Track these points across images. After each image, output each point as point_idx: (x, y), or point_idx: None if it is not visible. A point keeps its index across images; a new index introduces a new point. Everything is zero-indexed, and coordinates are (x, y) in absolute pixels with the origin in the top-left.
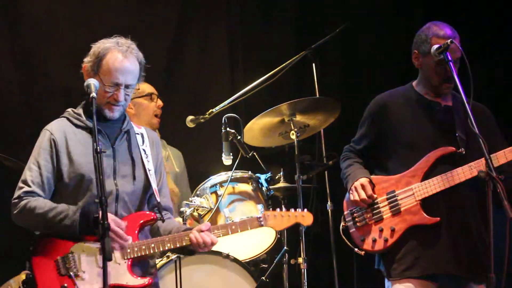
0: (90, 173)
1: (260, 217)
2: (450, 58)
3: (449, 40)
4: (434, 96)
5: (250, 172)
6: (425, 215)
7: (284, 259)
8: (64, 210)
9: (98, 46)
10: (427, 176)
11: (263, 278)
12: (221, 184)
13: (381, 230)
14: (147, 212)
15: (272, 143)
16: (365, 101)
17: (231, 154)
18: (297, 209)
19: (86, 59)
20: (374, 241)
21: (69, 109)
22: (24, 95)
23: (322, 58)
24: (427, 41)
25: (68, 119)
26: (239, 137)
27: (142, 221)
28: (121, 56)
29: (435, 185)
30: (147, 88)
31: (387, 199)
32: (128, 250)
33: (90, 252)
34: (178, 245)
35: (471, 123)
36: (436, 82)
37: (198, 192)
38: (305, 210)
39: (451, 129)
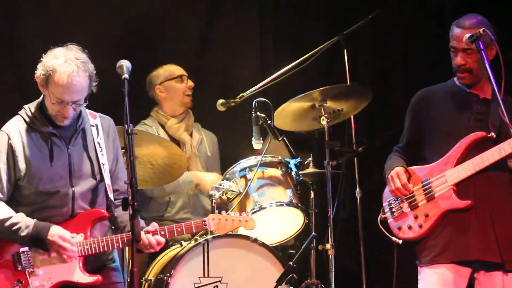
0: (46, 179)
1: (205, 220)
2: (482, 47)
3: (481, 29)
4: (473, 88)
5: (279, 157)
6: (457, 199)
7: (312, 245)
8: (19, 222)
9: (46, 61)
10: (460, 162)
11: (291, 263)
12: (250, 168)
13: (416, 217)
14: (101, 210)
15: (303, 128)
16: (396, 87)
17: (261, 138)
18: (242, 213)
19: (38, 69)
20: (410, 228)
21: (26, 107)
22: None
23: (354, 44)
24: (450, 32)
25: (24, 120)
26: (269, 122)
27: (94, 219)
28: (66, 76)
29: (466, 169)
30: (176, 70)
31: (422, 187)
32: (80, 248)
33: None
34: (126, 245)
35: (501, 111)
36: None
37: (227, 176)
38: (248, 214)
39: (485, 118)
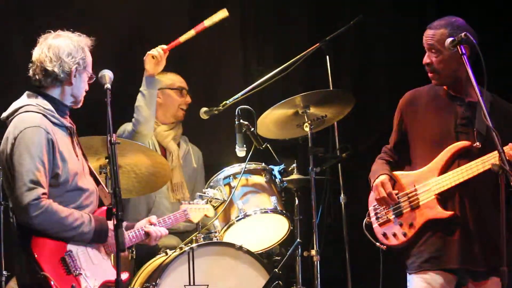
0: (79, 175)
1: (185, 210)
2: (463, 51)
3: (463, 34)
4: (458, 91)
5: (263, 164)
6: (440, 209)
7: (297, 252)
8: (80, 217)
9: (73, 42)
10: (445, 170)
11: (276, 270)
12: (234, 175)
13: (400, 225)
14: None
15: (287, 135)
16: (379, 94)
17: (244, 145)
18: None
19: (75, 59)
20: (394, 235)
21: (38, 105)
22: None
23: (336, 51)
24: None
25: (44, 115)
26: (252, 129)
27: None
28: (90, 44)
29: (450, 179)
30: (178, 81)
31: (407, 194)
32: (107, 244)
33: (83, 249)
34: (139, 240)
35: (484, 115)
36: None
37: (211, 184)
38: (209, 203)
39: (470, 124)
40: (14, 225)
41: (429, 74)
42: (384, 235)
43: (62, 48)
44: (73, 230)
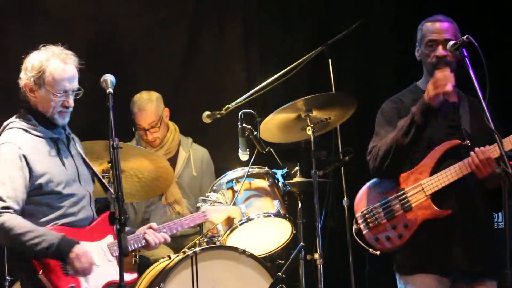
0: (66, 182)
1: (204, 212)
2: (466, 54)
3: (465, 37)
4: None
5: (266, 168)
6: (437, 208)
7: (301, 255)
8: (43, 234)
9: (35, 59)
10: (435, 171)
11: (279, 273)
12: (237, 179)
13: (394, 228)
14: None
15: (291, 139)
16: (381, 97)
17: (247, 149)
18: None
19: (25, 76)
20: (388, 239)
21: (18, 120)
22: None
23: (339, 54)
24: (420, 32)
25: (25, 130)
26: (255, 133)
27: None
28: (62, 64)
29: (444, 178)
30: (141, 119)
31: (397, 197)
32: (115, 247)
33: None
34: (138, 246)
35: (486, 119)
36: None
37: (214, 188)
38: (234, 205)
39: (457, 124)
40: None
41: (441, 67)
42: (377, 240)
43: (26, 63)
44: (29, 247)
